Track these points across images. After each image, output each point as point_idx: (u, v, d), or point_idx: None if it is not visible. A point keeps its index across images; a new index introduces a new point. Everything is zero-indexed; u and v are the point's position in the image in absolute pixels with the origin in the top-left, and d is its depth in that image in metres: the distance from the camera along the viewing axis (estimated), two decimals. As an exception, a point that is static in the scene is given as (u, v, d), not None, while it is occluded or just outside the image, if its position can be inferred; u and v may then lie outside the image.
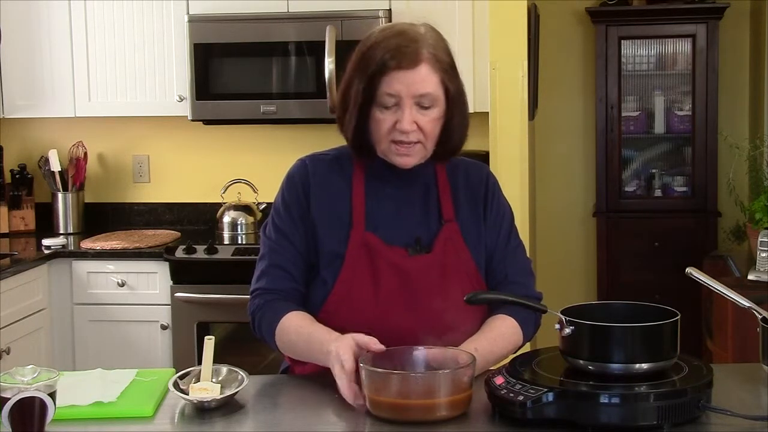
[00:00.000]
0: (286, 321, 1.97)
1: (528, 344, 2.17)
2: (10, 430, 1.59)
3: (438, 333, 1.91)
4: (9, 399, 1.58)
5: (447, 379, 1.69)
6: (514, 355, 1.90)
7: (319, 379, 1.89)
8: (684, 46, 4.93)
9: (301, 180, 2.05)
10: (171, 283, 3.84)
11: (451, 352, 1.80)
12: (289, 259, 2.03)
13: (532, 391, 1.65)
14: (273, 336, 1.99)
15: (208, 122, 4.20)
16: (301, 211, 2.04)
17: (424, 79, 1.92)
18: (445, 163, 2.07)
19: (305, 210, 2.03)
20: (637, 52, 4.99)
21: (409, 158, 1.97)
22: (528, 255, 2.20)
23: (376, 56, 1.93)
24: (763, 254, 3.65)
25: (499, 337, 1.99)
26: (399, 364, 1.78)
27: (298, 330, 1.95)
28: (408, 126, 1.92)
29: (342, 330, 1.94)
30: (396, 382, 1.70)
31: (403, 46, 1.92)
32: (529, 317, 2.04)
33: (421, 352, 1.81)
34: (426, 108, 1.93)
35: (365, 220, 2.01)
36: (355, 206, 2.01)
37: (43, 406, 1.59)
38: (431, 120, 1.94)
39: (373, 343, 1.78)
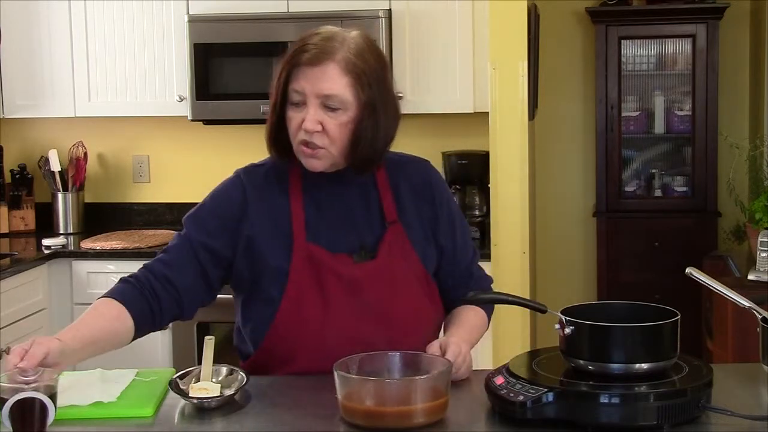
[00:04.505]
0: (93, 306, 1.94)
1: (528, 344, 2.19)
2: (11, 430, 1.59)
3: (392, 338, 1.89)
4: (8, 399, 1.58)
5: (423, 386, 1.67)
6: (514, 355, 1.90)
7: (318, 379, 1.89)
8: (684, 46, 4.93)
9: (236, 196, 1.99)
10: (171, 283, 3.84)
11: (427, 358, 1.79)
12: (180, 269, 1.98)
13: (532, 391, 1.65)
14: None
15: (208, 122, 4.20)
16: (221, 227, 1.98)
17: (330, 78, 1.87)
18: (383, 162, 2.02)
19: (229, 227, 1.97)
20: (637, 52, 4.99)
21: (315, 161, 1.92)
22: (528, 255, 2.21)
23: (292, 51, 1.92)
24: (763, 254, 3.65)
25: (474, 328, 2.05)
26: (374, 370, 1.76)
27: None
28: (310, 125, 1.88)
29: (292, 348, 1.94)
30: (371, 389, 1.67)
31: (319, 44, 1.89)
32: (490, 308, 2.13)
33: (396, 358, 1.79)
34: (333, 110, 1.89)
35: (306, 230, 1.96)
36: (295, 217, 1.97)
37: (43, 406, 1.59)
38: (338, 124, 1.89)
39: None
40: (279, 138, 1.96)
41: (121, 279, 2.00)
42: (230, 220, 1.98)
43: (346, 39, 1.91)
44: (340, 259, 1.96)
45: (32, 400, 1.59)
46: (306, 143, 1.90)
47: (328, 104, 1.88)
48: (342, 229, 1.98)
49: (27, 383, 1.61)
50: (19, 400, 1.58)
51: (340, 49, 1.89)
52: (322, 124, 1.88)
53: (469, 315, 2.06)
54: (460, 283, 2.07)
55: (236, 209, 1.98)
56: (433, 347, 1.87)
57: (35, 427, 1.59)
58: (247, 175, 2.03)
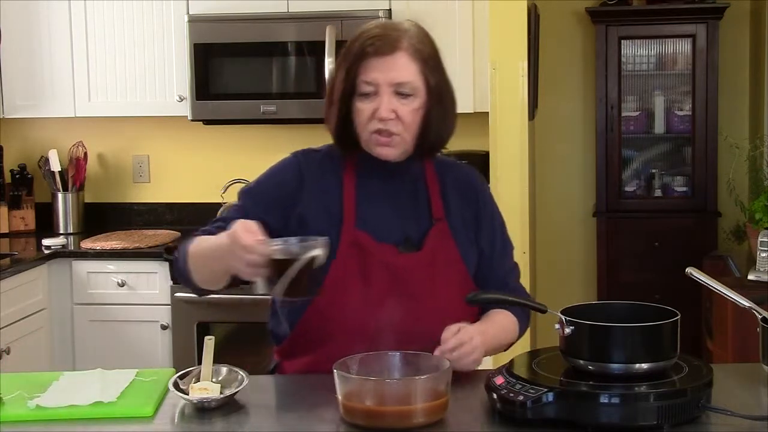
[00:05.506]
0: (193, 245, 1.96)
1: (528, 344, 2.18)
2: (284, 290, 1.74)
3: (426, 330, 1.90)
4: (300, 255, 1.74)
5: (423, 386, 1.67)
6: (514, 355, 1.90)
7: (318, 379, 1.89)
8: (684, 46, 4.93)
9: (294, 176, 2.03)
10: (171, 283, 3.84)
11: (427, 358, 1.79)
12: None
13: (532, 391, 1.65)
14: (187, 265, 1.98)
15: (208, 122, 4.20)
16: (276, 204, 2.01)
17: (402, 66, 1.92)
18: (433, 160, 2.07)
19: (283, 204, 2.01)
20: (637, 52, 5.00)
21: (389, 149, 1.96)
22: (528, 255, 2.21)
23: (357, 45, 1.95)
24: (763, 254, 3.65)
25: (502, 329, 2.04)
26: (375, 369, 1.76)
27: (200, 244, 1.95)
28: (386, 113, 1.92)
29: (331, 330, 1.95)
30: (371, 389, 1.67)
31: (382, 35, 1.94)
32: (524, 319, 2.10)
33: (396, 358, 1.79)
34: (405, 97, 1.93)
35: (356, 216, 2.00)
36: (346, 203, 2.00)
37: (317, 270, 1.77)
38: (411, 110, 1.94)
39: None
40: (345, 133, 2.00)
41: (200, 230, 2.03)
42: (285, 198, 2.02)
43: (405, 28, 1.97)
44: (385, 248, 1.98)
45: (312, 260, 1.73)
46: (380, 131, 1.94)
47: (400, 91, 1.93)
48: (389, 220, 2.01)
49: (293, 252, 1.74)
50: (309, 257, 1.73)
51: (404, 37, 1.94)
52: (395, 111, 1.93)
53: (498, 316, 2.06)
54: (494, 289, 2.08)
55: (292, 188, 2.02)
56: (450, 330, 1.89)
57: (313, 288, 1.75)
58: (305, 156, 2.07)
